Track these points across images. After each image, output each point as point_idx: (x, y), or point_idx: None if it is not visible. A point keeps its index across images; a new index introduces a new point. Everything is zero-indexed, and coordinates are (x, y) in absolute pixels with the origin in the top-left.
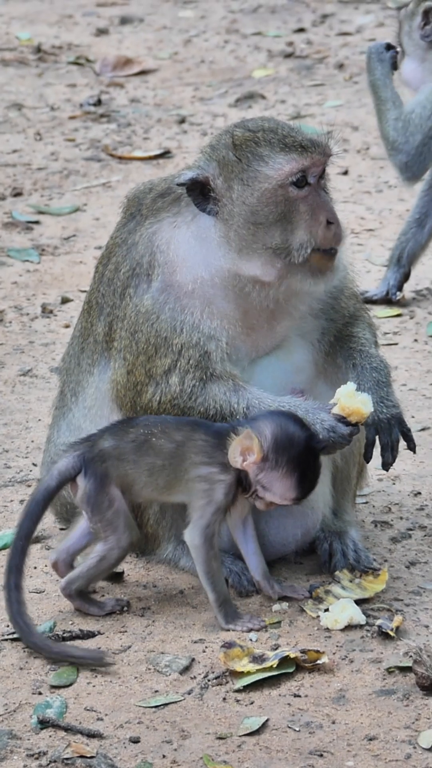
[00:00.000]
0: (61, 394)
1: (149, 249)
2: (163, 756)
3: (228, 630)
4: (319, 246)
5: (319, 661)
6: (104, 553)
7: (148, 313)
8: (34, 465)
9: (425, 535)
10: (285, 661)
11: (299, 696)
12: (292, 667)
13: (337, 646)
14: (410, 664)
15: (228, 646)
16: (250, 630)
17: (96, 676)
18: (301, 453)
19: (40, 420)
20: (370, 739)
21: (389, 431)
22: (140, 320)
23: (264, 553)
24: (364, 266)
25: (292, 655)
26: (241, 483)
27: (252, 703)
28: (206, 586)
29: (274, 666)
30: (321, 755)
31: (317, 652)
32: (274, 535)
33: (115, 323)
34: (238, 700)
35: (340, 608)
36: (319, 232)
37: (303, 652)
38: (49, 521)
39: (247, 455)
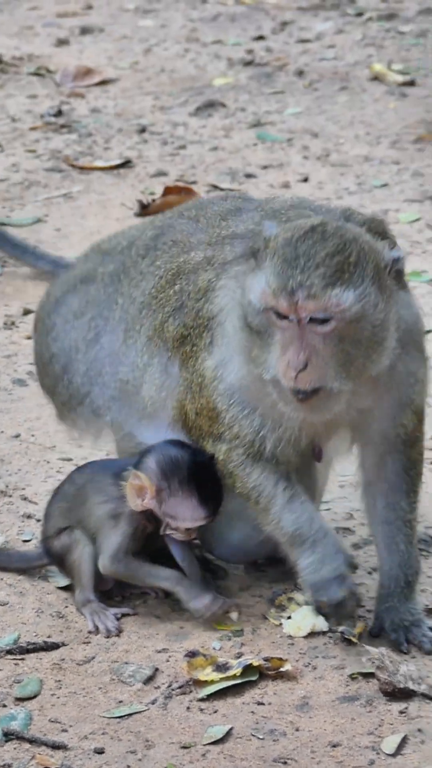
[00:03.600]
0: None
1: (218, 310)
2: (128, 766)
3: (190, 609)
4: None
5: (282, 669)
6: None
7: (208, 378)
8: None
9: None
10: (248, 669)
11: (263, 704)
12: (256, 674)
13: (300, 653)
14: (373, 670)
15: (191, 655)
16: (212, 613)
17: (60, 688)
18: (191, 471)
19: (2, 432)
20: (334, 746)
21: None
22: (202, 381)
23: (228, 559)
24: None
25: (255, 663)
26: (152, 522)
27: (216, 711)
28: (155, 584)
29: (238, 674)
30: (285, 763)
31: (280, 659)
32: (237, 542)
33: (187, 345)
34: (201, 709)
35: (303, 615)
36: (281, 371)
37: (266, 659)
38: (12, 533)
39: (143, 494)
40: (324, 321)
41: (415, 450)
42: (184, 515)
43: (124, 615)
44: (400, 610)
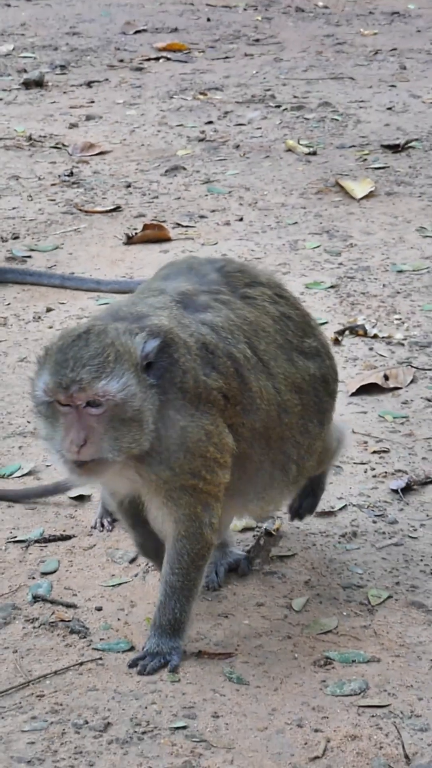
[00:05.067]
0: None
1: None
2: (118, 619)
3: None
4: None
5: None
6: None
7: None
8: (28, 422)
9: None
10: None
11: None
12: None
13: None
14: (288, 554)
15: None
16: None
17: (72, 566)
18: None
19: None
20: (260, 605)
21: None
22: None
23: None
24: None
25: None
26: None
27: None
28: None
29: None
30: (226, 617)
31: None
32: None
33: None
34: None
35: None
36: (66, 447)
37: None
38: (39, 460)
39: None
40: (96, 405)
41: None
42: None
43: (115, 519)
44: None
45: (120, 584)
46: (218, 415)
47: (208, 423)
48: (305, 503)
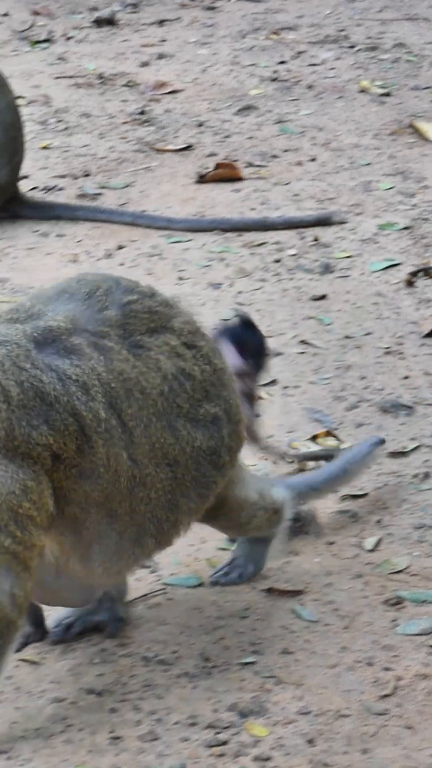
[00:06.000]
0: None
1: None
2: (188, 555)
3: None
4: None
5: None
6: None
7: None
8: None
9: None
10: None
11: None
12: None
13: None
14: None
15: None
16: None
17: None
18: None
19: None
20: (330, 543)
21: None
22: None
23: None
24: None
25: None
26: None
27: None
28: None
29: None
30: (296, 555)
31: None
32: None
33: None
34: None
35: None
36: None
37: None
38: None
39: None
40: None
41: None
42: None
43: None
44: None
45: None
46: (43, 473)
47: (27, 478)
48: (228, 570)
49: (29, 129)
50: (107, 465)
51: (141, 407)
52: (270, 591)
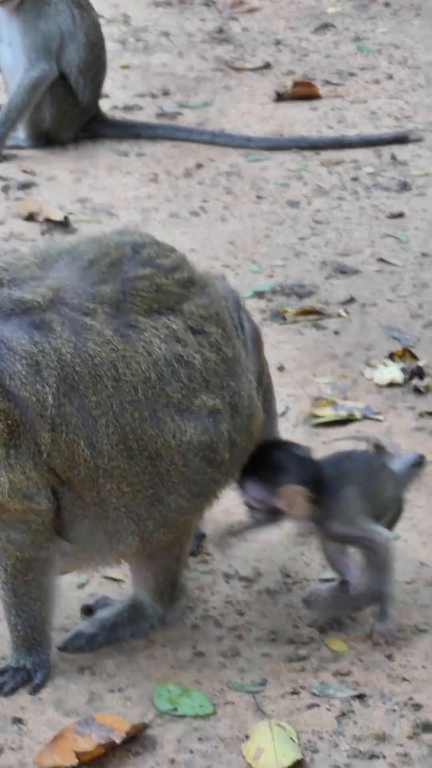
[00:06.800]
0: None
1: None
2: None
3: None
4: None
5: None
6: None
7: None
8: None
9: None
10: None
11: None
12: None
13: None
14: None
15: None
16: None
17: None
18: None
19: None
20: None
21: None
22: None
23: None
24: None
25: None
26: None
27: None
28: None
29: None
30: None
31: None
32: None
33: None
34: None
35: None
36: None
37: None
38: None
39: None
40: None
41: None
42: None
43: None
44: None
45: None
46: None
47: None
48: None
49: (109, 48)
50: (60, 450)
51: (111, 395)
52: None
